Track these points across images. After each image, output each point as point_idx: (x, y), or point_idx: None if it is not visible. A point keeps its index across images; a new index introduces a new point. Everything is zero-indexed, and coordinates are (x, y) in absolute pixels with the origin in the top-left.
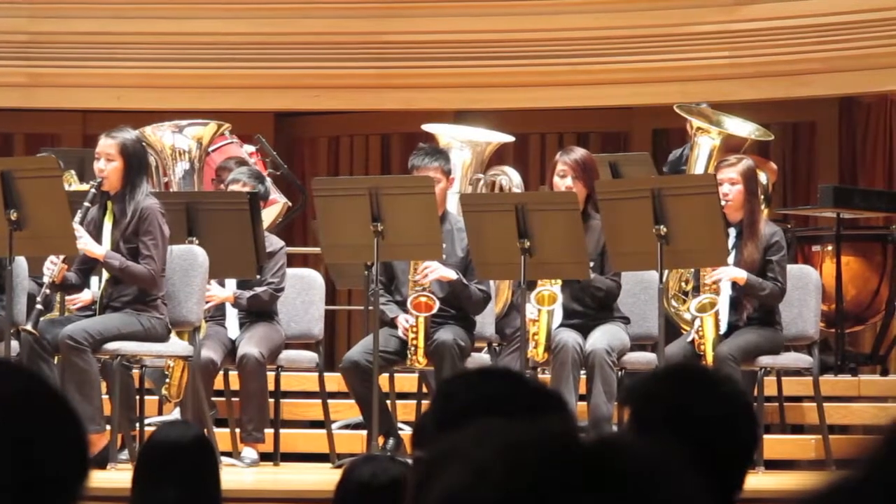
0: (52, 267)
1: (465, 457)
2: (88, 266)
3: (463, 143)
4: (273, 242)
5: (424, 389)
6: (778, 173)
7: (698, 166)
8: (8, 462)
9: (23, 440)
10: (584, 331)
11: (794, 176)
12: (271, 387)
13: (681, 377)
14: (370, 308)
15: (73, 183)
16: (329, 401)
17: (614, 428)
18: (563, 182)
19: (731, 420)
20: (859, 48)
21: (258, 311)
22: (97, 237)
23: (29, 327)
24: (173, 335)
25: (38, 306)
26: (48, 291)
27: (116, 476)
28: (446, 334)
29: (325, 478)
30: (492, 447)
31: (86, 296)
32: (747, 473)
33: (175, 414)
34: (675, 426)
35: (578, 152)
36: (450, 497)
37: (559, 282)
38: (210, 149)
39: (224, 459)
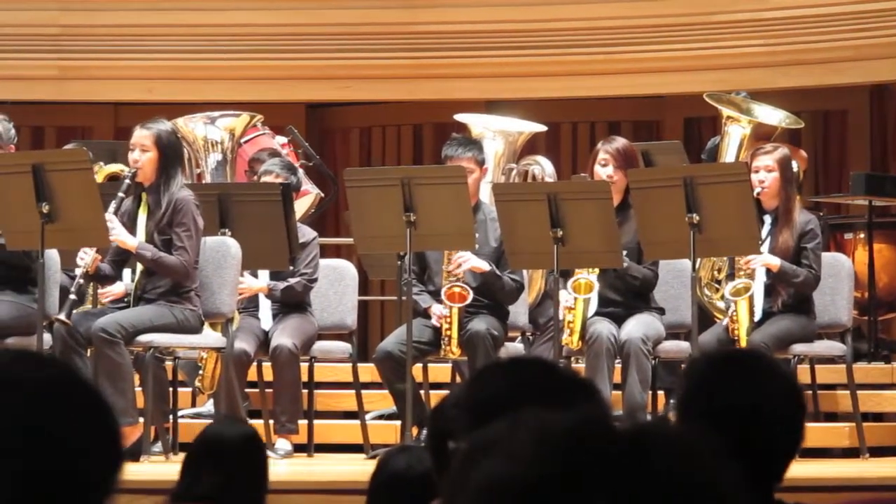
0: (85, 257)
1: (500, 445)
2: (122, 258)
3: (495, 132)
4: (305, 233)
5: (458, 379)
6: (809, 161)
7: (728, 155)
8: (42, 454)
9: (56, 432)
10: (619, 320)
11: (825, 164)
12: (305, 378)
13: (731, 364)
14: (403, 298)
15: (101, 170)
16: (362, 391)
17: (648, 417)
18: (605, 171)
19: (780, 410)
20: (892, 36)
21: (291, 303)
22: (132, 229)
23: (62, 317)
24: (206, 327)
25: (72, 296)
26: (82, 282)
27: (150, 468)
28: (479, 324)
29: (358, 469)
30: (526, 434)
31: (118, 288)
32: (789, 464)
33: (208, 406)
34: (722, 413)
35: (620, 141)
36: (486, 484)
37: (596, 270)
38: (242, 140)
39: None
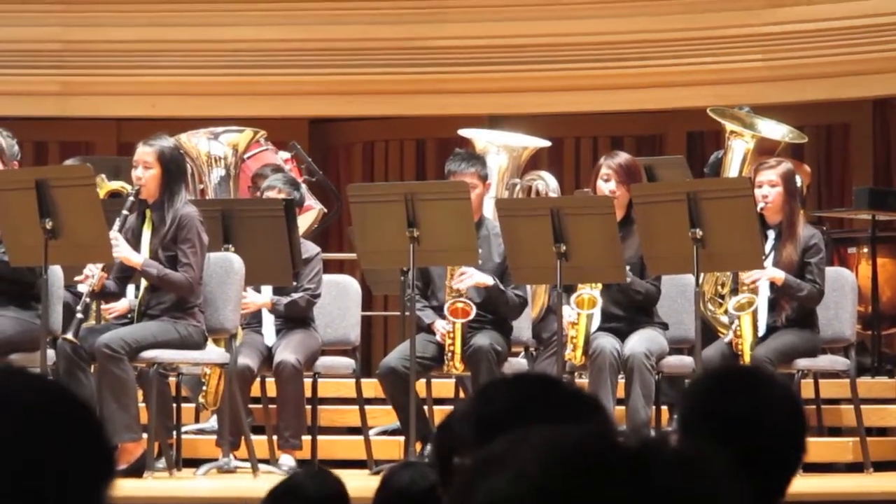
0: (91, 275)
1: (504, 461)
2: (126, 274)
3: (499, 147)
4: (309, 249)
5: (461, 395)
6: (812, 175)
7: (732, 169)
8: (30, 472)
9: (48, 450)
10: (623, 335)
11: (828, 178)
12: (308, 393)
13: (732, 381)
14: (406, 314)
15: (103, 186)
16: (366, 407)
17: (652, 432)
18: (607, 186)
19: (781, 426)
20: (893, 50)
21: (295, 318)
22: (136, 246)
23: (70, 336)
24: (210, 342)
25: (79, 315)
26: (88, 300)
27: (153, 484)
28: (483, 339)
29: (362, 484)
30: (530, 451)
31: (122, 304)
32: (792, 479)
33: (212, 422)
34: (723, 430)
35: (622, 156)
36: (489, 501)
37: (599, 285)
38: (245, 156)
39: (261, 467)
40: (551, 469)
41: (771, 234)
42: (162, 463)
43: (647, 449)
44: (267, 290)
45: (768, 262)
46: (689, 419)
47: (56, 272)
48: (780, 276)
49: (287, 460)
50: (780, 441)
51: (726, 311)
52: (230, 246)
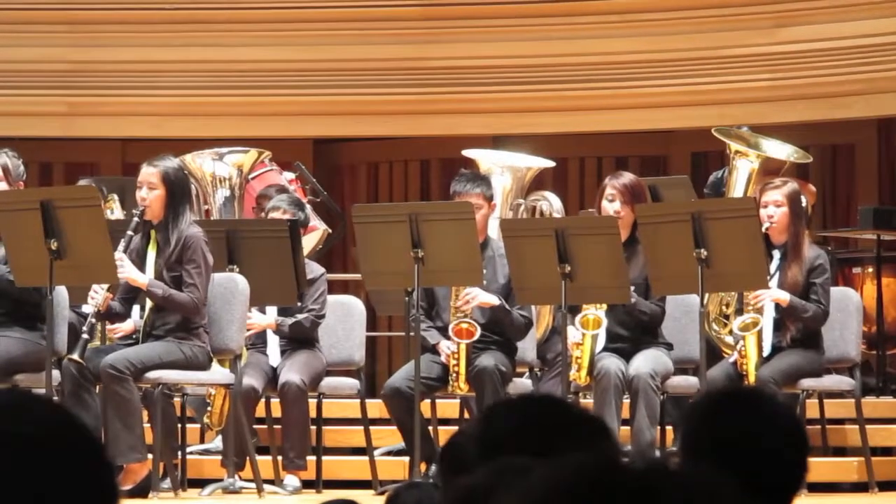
0: (96, 296)
1: (509, 486)
2: (131, 295)
3: (504, 168)
4: (313, 269)
5: (466, 415)
6: (817, 195)
7: (737, 190)
8: (30, 500)
9: (44, 475)
10: (628, 355)
11: (833, 198)
12: (313, 414)
13: (733, 401)
14: (411, 334)
15: (114, 209)
16: (371, 427)
17: (657, 453)
18: (612, 206)
19: (782, 446)
20: None
21: (299, 339)
22: (141, 266)
23: (76, 356)
24: (214, 363)
25: (85, 336)
26: (94, 321)
27: None
28: (487, 360)
29: None
30: (535, 475)
31: (127, 325)
32: (793, 499)
33: (217, 442)
34: (724, 451)
35: (627, 177)
36: None
37: (604, 306)
38: (250, 176)
39: (266, 487)
40: (556, 494)
41: (776, 254)
42: (167, 483)
43: (652, 472)
44: (272, 310)
45: (773, 283)
46: (690, 440)
47: (61, 293)
48: (785, 297)
49: (292, 481)
50: (781, 461)
51: (731, 332)
52: (235, 266)
